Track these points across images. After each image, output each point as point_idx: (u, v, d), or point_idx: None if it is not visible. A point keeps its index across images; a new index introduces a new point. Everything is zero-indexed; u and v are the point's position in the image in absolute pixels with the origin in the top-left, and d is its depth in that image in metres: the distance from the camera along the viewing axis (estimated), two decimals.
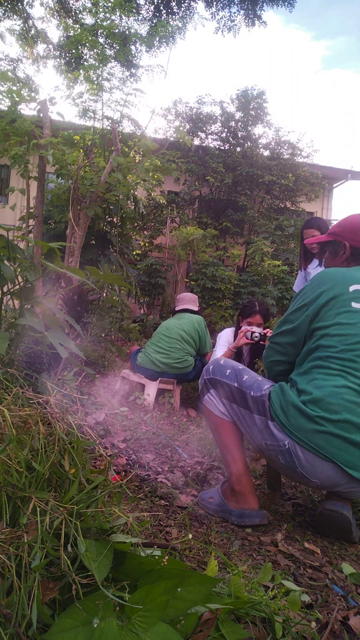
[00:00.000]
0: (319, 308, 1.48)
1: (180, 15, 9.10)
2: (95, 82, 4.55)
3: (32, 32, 8.80)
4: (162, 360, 3.52)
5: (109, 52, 5.18)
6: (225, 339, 3.42)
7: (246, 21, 9.29)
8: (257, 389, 1.54)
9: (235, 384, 1.59)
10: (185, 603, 0.82)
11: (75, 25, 7.34)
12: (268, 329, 3.25)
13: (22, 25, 8.78)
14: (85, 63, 5.28)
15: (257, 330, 3.11)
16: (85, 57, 5.64)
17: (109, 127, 4.58)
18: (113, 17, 5.28)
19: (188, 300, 4.05)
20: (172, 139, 7.65)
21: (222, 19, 9.34)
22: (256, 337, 3.08)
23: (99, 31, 5.18)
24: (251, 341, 3.09)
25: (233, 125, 11.15)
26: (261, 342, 3.07)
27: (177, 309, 4.02)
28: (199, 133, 11.39)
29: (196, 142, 11.08)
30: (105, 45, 5.24)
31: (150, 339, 3.82)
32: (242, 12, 9.19)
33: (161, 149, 4.59)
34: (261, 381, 1.58)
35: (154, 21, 7.51)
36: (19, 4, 8.47)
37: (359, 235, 1.61)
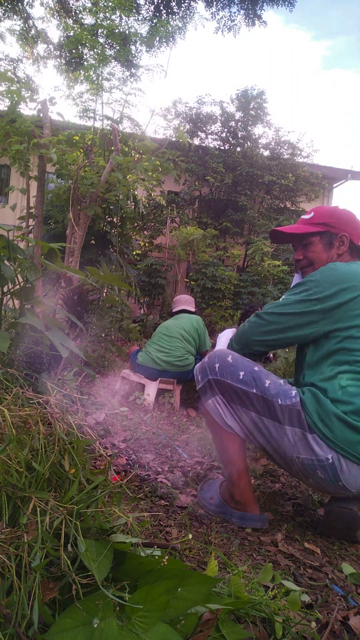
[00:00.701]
0: (336, 306, 1.38)
1: (180, 15, 9.11)
2: (95, 82, 4.55)
3: (32, 32, 8.81)
4: (164, 358, 3.54)
5: (109, 52, 5.18)
6: (225, 339, 3.43)
7: (246, 21, 9.30)
8: (284, 397, 1.39)
9: (255, 390, 1.42)
10: (185, 603, 0.82)
11: (75, 25, 7.35)
12: None
13: (22, 25, 8.78)
14: (85, 63, 5.28)
15: None
16: (85, 57, 5.64)
17: (109, 127, 4.58)
18: (113, 17, 5.28)
19: (184, 301, 4.10)
20: (172, 138, 7.66)
21: (222, 19, 9.35)
22: None
23: (99, 31, 5.18)
24: None
25: (233, 125, 11.16)
26: None
27: (174, 310, 4.08)
28: (199, 133, 11.40)
29: (196, 142, 11.09)
30: (105, 45, 5.25)
31: (150, 339, 3.84)
32: (242, 12, 9.20)
33: (160, 148, 4.59)
34: (284, 385, 1.43)
35: (154, 21, 7.52)
36: (19, 4, 8.47)
37: (357, 230, 1.56)
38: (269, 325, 1.44)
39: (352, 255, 1.58)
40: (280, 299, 1.48)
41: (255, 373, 1.46)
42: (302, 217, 1.64)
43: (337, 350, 1.38)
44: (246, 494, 1.50)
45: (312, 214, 1.60)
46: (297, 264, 1.63)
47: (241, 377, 1.45)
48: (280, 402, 1.39)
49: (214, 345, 4.94)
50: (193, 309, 4.05)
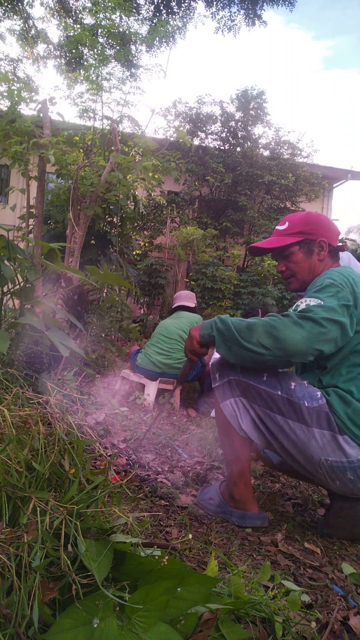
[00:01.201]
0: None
1: (180, 15, 9.11)
2: (95, 82, 4.55)
3: (32, 32, 8.82)
4: (163, 361, 3.52)
5: (108, 52, 5.18)
6: None
7: (246, 21, 9.32)
8: (310, 399, 1.36)
9: (280, 393, 1.38)
10: (185, 603, 0.82)
11: (75, 25, 7.35)
12: None
13: (22, 25, 8.79)
14: (85, 63, 5.28)
15: None
16: (85, 57, 5.65)
17: (108, 127, 4.58)
18: (113, 17, 5.28)
19: (184, 297, 4.04)
20: (172, 139, 7.67)
21: (222, 19, 9.36)
22: None
23: (99, 31, 5.18)
24: None
25: (233, 125, 11.17)
26: None
27: (173, 306, 4.03)
28: (199, 133, 11.41)
29: (196, 142, 11.10)
30: (105, 45, 5.25)
31: (149, 339, 3.82)
32: (242, 11, 9.22)
33: (161, 148, 4.59)
34: (308, 387, 1.40)
35: (154, 21, 7.52)
36: (19, 4, 8.48)
37: (334, 232, 1.58)
38: (330, 332, 1.30)
39: (333, 259, 1.59)
40: (317, 302, 1.36)
41: (279, 374, 1.42)
42: (277, 228, 1.63)
43: (354, 352, 1.39)
44: (246, 494, 1.50)
45: (287, 224, 1.59)
46: (281, 275, 1.65)
47: (265, 378, 1.41)
48: (307, 405, 1.36)
49: None
50: (193, 305, 3.98)
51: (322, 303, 1.34)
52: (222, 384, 1.47)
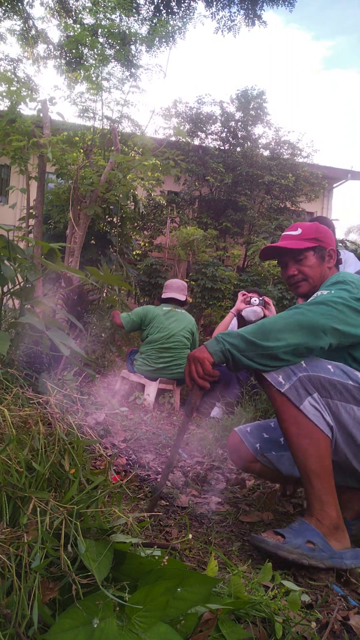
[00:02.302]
0: None
1: (180, 15, 9.12)
2: (95, 82, 4.55)
3: (32, 32, 8.82)
4: (164, 366, 3.52)
5: (108, 52, 5.19)
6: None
7: (246, 21, 9.33)
8: None
9: (351, 382, 1.31)
10: (186, 603, 0.82)
11: (75, 25, 7.36)
12: (266, 297, 3.27)
13: (22, 25, 8.80)
14: (85, 63, 5.29)
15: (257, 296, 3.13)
16: (85, 56, 5.65)
17: (108, 127, 4.58)
18: (113, 17, 5.29)
19: (176, 288, 3.77)
20: (172, 138, 7.68)
21: (222, 19, 9.37)
22: (255, 301, 3.07)
23: (99, 30, 5.19)
24: (250, 305, 3.08)
25: (233, 125, 11.17)
26: (260, 307, 3.10)
27: (163, 296, 3.79)
28: (199, 133, 11.41)
29: (196, 142, 11.11)
30: (105, 45, 5.25)
31: (147, 340, 3.70)
32: (242, 12, 9.23)
33: (160, 147, 4.59)
34: None
35: (154, 21, 7.52)
36: (19, 4, 8.48)
37: (334, 243, 1.62)
38: (341, 314, 1.31)
39: (337, 268, 1.62)
40: (327, 292, 1.38)
41: (340, 365, 1.35)
42: (288, 233, 1.63)
43: None
44: (341, 515, 1.28)
45: (299, 230, 1.61)
46: (290, 279, 1.61)
47: (332, 370, 1.32)
48: None
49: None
50: (184, 298, 3.79)
51: (333, 292, 1.37)
52: (292, 385, 1.29)
